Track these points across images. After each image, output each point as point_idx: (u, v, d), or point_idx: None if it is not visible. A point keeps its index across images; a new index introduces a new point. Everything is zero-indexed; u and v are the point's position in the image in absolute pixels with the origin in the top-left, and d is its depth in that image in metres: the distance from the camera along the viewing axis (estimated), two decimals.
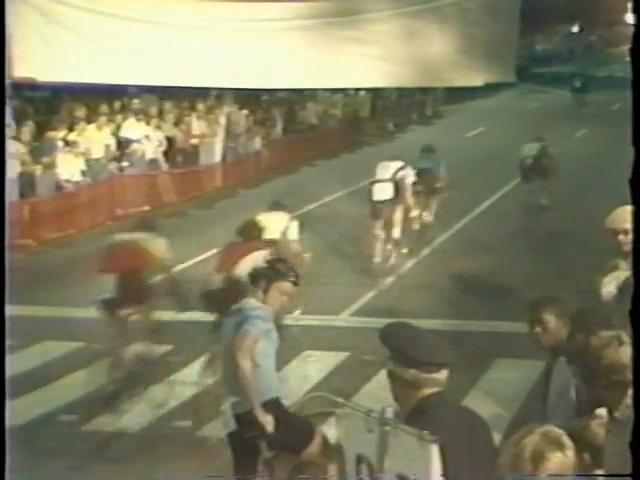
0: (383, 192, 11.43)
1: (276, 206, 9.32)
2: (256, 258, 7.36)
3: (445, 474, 2.85)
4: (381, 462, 2.94)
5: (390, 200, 11.49)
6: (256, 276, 5.43)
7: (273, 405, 5.31)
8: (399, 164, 11.72)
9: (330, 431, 5.52)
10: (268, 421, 5.16)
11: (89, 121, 17.21)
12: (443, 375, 3.19)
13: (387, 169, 11.67)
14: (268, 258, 5.56)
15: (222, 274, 7.61)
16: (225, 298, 6.81)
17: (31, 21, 7.28)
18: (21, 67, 7.25)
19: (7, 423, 7.38)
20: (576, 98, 32.08)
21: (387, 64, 9.39)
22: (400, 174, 11.56)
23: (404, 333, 3.26)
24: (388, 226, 11.72)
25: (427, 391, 3.17)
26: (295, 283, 5.40)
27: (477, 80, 10.67)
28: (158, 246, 7.78)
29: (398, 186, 11.47)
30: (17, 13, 7.21)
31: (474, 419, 3.28)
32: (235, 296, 6.10)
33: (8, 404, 8.04)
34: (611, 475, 2.89)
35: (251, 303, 5.35)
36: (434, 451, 2.79)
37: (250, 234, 7.90)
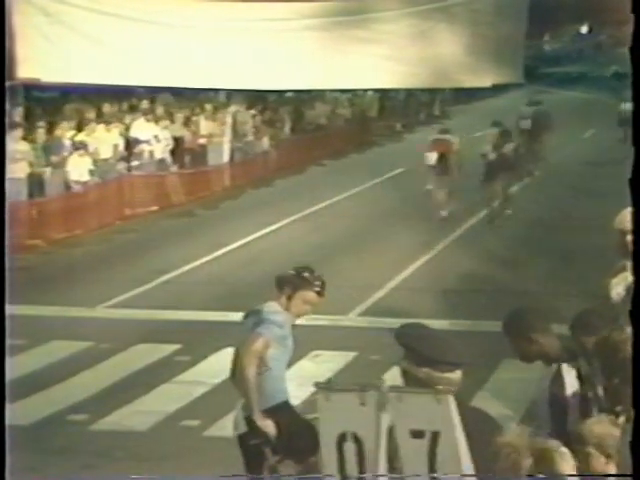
0: (525, 123, 20.97)
1: (495, 124, 16.84)
2: None
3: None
4: (378, 432, 3.00)
5: (527, 129, 20.91)
6: (282, 282, 5.34)
7: (283, 408, 5.26)
8: (535, 107, 21.86)
9: None
10: (268, 425, 5.11)
11: (98, 121, 17.25)
12: (457, 375, 3.21)
13: (528, 110, 21.70)
14: (296, 267, 5.47)
15: (495, 152, 15.51)
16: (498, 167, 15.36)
17: (35, 21, 7.26)
18: (25, 68, 7.25)
19: (17, 423, 7.40)
20: (617, 87, 30.77)
21: (396, 64, 9.36)
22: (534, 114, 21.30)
23: (418, 333, 3.29)
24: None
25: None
26: (320, 293, 5.32)
27: (485, 81, 10.65)
28: (454, 141, 16.19)
29: (537, 121, 20.94)
30: (21, 13, 7.21)
31: (487, 420, 3.32)
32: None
33: (18, 404, 8.07)
34: (611, 475, 2.88)
35: (271, 307, 5.29)
36: (452, 402, 2.88)
37: (502, 141, 15.58)
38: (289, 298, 5.27)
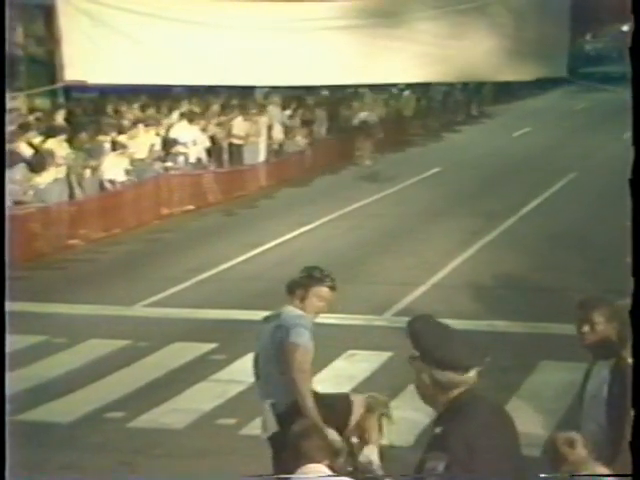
0: None
1: None
2: None
3: (476, 467, 2.93)
4: None
5: None
6: (293, 286, 5.38)
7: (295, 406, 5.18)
8: None
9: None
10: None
11: (136, 122, 17.38)
12: (472, 374, 3.20)
13: None
14: (304, 267, 5.49)
15: None
16: None
17: (80, 24, 7.39)
18: (71, 70, 7.37)
19: (57, 420, 7.48)
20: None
21: (434, 60, 9.35)
22: None
23: (433, 333, 3.26)
24: None
25: (456, 391, 3.19)
26: (332, 288, 5.34)
27: (529, 75, 10.58)
28: None
29: None
30: (66, 16, 7.34)
31: (501, 411, 3.35)
32: None
33: (58, 402, 8.13)
34: (611, 475, 2.85)
35: (291, 310, 5.30)
36: None
37: None
38: (302, 299, 5.29)
